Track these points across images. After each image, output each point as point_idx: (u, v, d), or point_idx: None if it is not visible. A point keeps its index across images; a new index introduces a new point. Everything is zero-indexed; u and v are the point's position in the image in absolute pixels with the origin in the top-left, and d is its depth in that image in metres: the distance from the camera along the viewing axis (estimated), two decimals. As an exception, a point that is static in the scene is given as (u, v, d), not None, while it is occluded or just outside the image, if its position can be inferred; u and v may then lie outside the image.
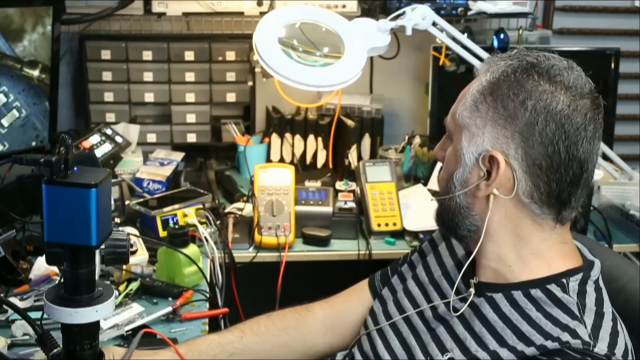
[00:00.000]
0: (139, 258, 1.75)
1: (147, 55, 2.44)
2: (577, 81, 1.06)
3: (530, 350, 1.02)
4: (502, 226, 1.10)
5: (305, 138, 2.44)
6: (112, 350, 1.21)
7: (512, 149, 1.05)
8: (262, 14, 2.14)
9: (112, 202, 1.90)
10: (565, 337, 1.01)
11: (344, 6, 2.33)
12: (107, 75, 2.44)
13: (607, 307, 1.08)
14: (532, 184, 1.06)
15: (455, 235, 1.17)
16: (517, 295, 1.09)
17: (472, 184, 1.09)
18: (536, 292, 1.08)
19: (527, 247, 1.10)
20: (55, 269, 1.64)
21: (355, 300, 1.40)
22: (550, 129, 1.04)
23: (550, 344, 1.01)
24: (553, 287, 1.08)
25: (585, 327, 1.03)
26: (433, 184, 2.29)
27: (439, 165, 2.34)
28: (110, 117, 2.47)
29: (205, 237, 1.88)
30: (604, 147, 1.94)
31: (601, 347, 1.00)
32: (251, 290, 1.96)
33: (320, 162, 2.45)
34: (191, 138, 2.52)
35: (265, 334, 1.35)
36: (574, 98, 1.05)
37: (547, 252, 1.10)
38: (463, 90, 1.14)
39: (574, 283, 1.08)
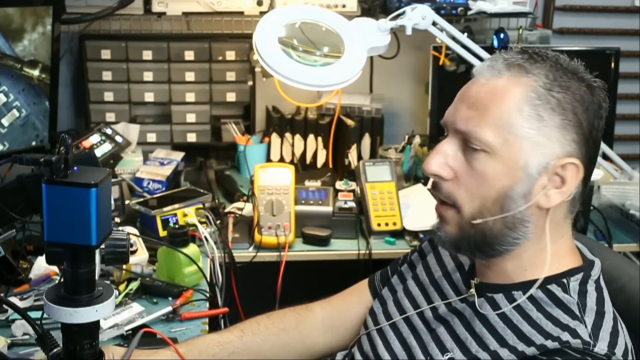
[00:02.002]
0: (139, 258, 1.75)
1: (147, 55, 2.44)
2: (590, 75, 1.08)
3: (530, 350, 1.02)
4: (546, 230, 1.08)
5: (305, 138, 2.44)
6: (112, 349, 1.21)
7: (580, 153, 1.04)
8: (262, 13, 2.14)
9: (112, 202, 1.90)
10: (566, 336, 1.01)
11: (344, 6, 2.33)
12: (107, 75, 2.44)
13: (608, 307, 1.08)
14: (585, 181, 1.08)
15: (490, 254, 1.09)
16: (518, 295, 1.09)
17: (536, 195, 1.04)
18: (537, 292, 1.08)
19: (552, 246, 1.08)
20: (55, 268, 1.64)
21: (355, 300, 1.40)
22: (601, 127, 1.07)
23: (550, 344, 1.01)
24: (554, 287, 1.07)
25: (586, 327, 1.02)
26: (433, 183, 2.29)
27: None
28: (110, 116, 2.47)
29: (205, 237, 1.88)
30: (604, 147, 1.94)
31: (601, 347, 1.00)
32: (251, 290, 1.96)
33: (320, 162, 2.45)
34: (191, 138, 2.52)
35: (265, 334, 1.35)
36: (601, 91, 1.07)
37: (560, 251, 1.10)
38: (484, 97, 1.05)
39: (574, 283, 1.08)
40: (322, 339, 1.39)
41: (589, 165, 1.07)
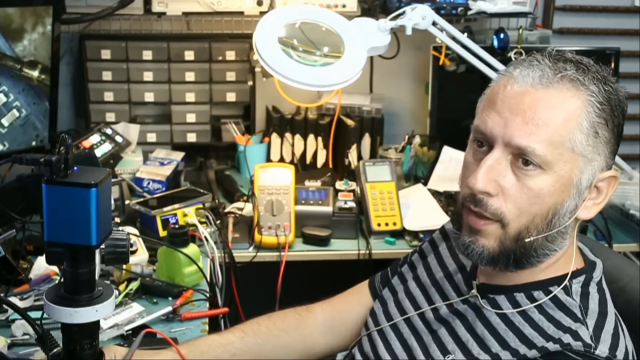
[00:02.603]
0: (139, 258, 1.75)
1: (147, 55, 2.44)
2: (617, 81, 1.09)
3: (531, 353, 1.02)
4: (574, 240, 1.10)
5: (305, 138, 2.44)
6: (113, 349, 1.21)
7: (611, 161, 1.07)
8: (262, 13, 2.14)
9: (112, 202, 1.90)
10: (567, 338, 1.01)
11: (344, 6, 2.33)
12: (107, 75, 2.44)
13: (610, 309, 1.08)
14: None
15: (520, 268, 1.07)
16: (520, 297, 1.08)
17: (579, 209, 1.05)
18: (539, 295, 1.07)
19: (565, 252, 1.09)
20: (55, 268, 1.64)
21: (355, 301, 1.40)
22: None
23: (551, 346, 1.01)
24: (556, 290, 1.07)
25: (587, 329, 1.02)
26: (433, 183, 2.29)
27: (439, 165, 2.32)
28: (110, 116, 2.46)
29: (205, 237, 1.88)
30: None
31: (602, 350, 1.00)
32: (251, 290, 1.96)
33: (320, 162, 2.45)
34: (191, 138, 2.52)
35: (266, 335, 1.35)
36: (625, 95, 1.08)
37: (566, 254, 1.10)
38: (542, 112, 1.00)
39: (577, 285, 1.08)
40: (323, 340, 1.39)
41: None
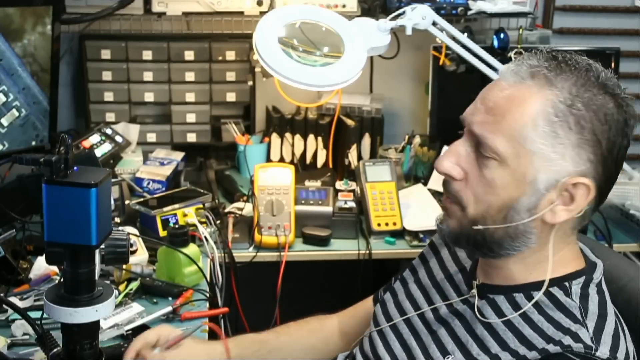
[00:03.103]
0: (139, 258, 1.75)
1: (147, 55, 2.44)
2: (620, 86, 1.04)
3: (531, 354, 1.02)
4: (550, 241, 1.07)
5: (305, 138, 2.44)
6: (168, 330, 1.33)
7: (594, 171, 1.01)
8: (262, 13, 2.14)
9: (112, 202, 1.90)
10: (567, 340, 1.00)
11: (344, 6, 2.33)
12: (107, 75, 2.44)
13: (610, 310, 1.07)
14: (598, 199, 1.05)
15: (490, 255, 1.09)
16: (519, 298, 1.08)
17: (543, 210, 1.03)
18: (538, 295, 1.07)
19: (556, 254, 1.08)
20: (55, 268, 1.64)
21: (363, 310, 1.45)
22: (624, 146, 1.03)
23: (552, 348, 1.01)
24: (555, 291, 1.07)
25: (587, 331, 1.02)
26: (433, 183, 2.29)
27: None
28: (110, 116, 2.46)
29: (205, 237, 1.88)
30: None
31: (603, 351, 1.00)
32: (251, 290, 1.96)
33: (320, 162, 2.45)
34: (191, 138, 2.52)
35: (295, 335, 1.44)
36: (630, 107, 1.03)
37: (565, 257, 1.09)
38: (502, 104, 1.02)
39: (576, 286, 1.07)
40: (341, 342, 1.45)
41: (606, 184, 1.04)
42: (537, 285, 1.08)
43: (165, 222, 1.93)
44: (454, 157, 1.07)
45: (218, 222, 1.98)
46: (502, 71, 1.07)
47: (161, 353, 1.31)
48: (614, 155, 1.02)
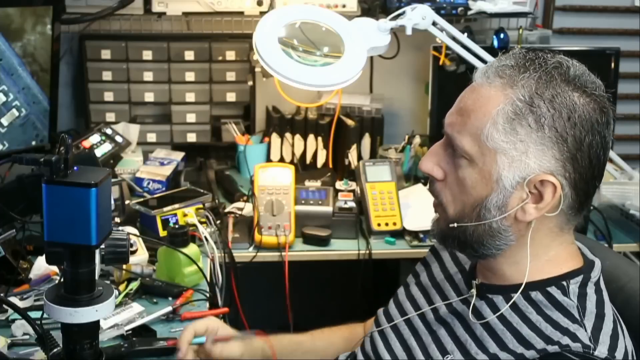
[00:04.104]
0: (139, 258, 1.75)
1: (147, 55, 2.44)
2: (595, 82, 1.04)
3: (530, 354, 1.02)
4: (532, 239, 1.06)
5: (305, 138, 2.44)
6: (216, 323, 1.37)
7: (562, 169, 1.01)
8: (262, 13, 2.14)
9: (112, 202, 1.90)
10: (566, 340, 1.01)
11: (344, 6, 2.33)
12: (107, 75, 2.44)
13: (608, 309, 1.08)
14: (575, 197, 1.04)
15: (476, 255, 1.11)
16: (517, 298, 1.08)
17: (513, 208, 1.04)
18: (536, 295, 1.07)
19: (546, 254, 1.08)
20: (55, 268, 1.64)
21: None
22: (596, 142, 1.02)
23: (550, 348, 1.01)
24: (553, 290, 1.07)
25: (586, 330, 1.02)
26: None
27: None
28: (110, 116, 2.46)
29: (205, 237, 1.88)
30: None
31: (601, 351, 1.00)
32: (251, 290, 1.96)
33: (320, 162, 2.45)
34: (191, 138, 2.52)
35: (328, 340, 1.48)
36: (602, 103, 1.03)
37: (559, 256, 1.09)
38: (469, 104, 1.05)
39: (574, 286, 1.07)
40: None
41: (583, 182, 1.03)
42: (535, 285, 1.08)
43: (165, 222, 1.93)
44: (435, 157, 1.11)
45: (218, 222, 1.98)
46: (475, 73, 1.09)
47: (210, 345, 1.35)
48: (584, 153, 1.02)
